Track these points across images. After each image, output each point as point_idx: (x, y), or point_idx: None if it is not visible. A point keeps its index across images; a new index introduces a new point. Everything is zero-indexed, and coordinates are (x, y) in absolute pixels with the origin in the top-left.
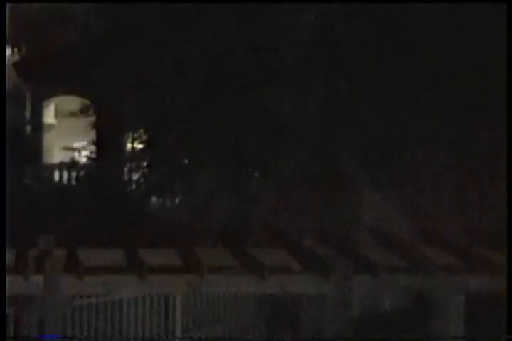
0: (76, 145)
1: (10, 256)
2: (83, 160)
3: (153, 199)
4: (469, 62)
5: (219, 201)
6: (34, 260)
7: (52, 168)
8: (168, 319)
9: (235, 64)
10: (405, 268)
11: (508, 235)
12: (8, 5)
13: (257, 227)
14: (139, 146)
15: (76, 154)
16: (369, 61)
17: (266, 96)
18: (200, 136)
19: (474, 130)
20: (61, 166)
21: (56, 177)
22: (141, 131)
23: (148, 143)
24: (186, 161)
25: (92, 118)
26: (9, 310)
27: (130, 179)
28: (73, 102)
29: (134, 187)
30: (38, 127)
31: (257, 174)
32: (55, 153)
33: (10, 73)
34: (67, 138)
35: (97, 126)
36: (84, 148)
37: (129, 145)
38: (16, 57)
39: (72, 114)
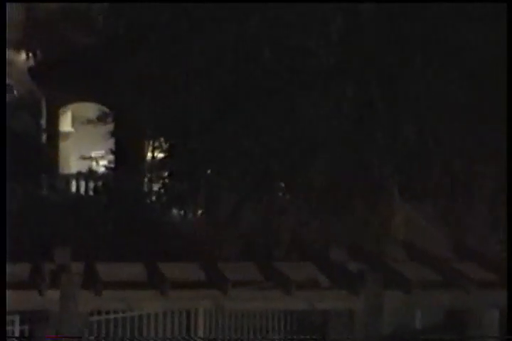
0: (94, 154)
1: (24, 270)
2: (101, 169)
3: (175, 210)
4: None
5: (243, 212)
6: (50, 274)
7: (68, 178)
8: (189, 335)
9: (261, 71)
10: (439, 284)
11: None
12: (22, 7)
13: (283, 240)
14: (160, 155)
15: (94, 163)
16: (402, 65)
17: (293, 104)
18: (224, 144)
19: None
20: (78, 176)
21: (73, 188)
22: (162, 139)
23: (169, 153)
24: (209, 171)
25: (111, 126)
26: (24, 327)
27: (150, 190)
28: (91, 109)
29: (154, 198)
30: (54, 135)
31: (282, 184)
32: (71, 162)
33: (24, 78)
34: (84, 146)
35: (115, 134)
36: (102, 157)
37: (149, 155)
38: (31, 62)
39: (89, 121)
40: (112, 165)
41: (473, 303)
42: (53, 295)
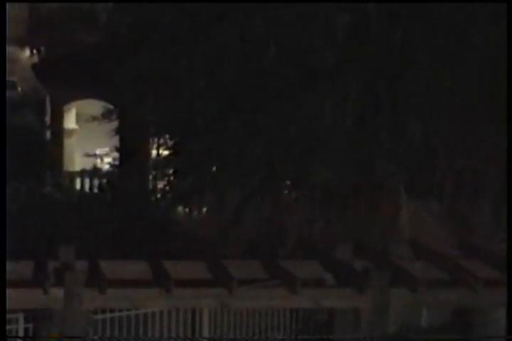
0: (98, 151)
1: (29, 268)
2: (105, 167)
3: (180, 208)
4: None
5: (249, 211)
6: (54, 272)
7: (73, 175)
8: (194, 334)
9: (266, 70)
10: (445, 282)
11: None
12: (26, 4)
13: (288, 238)
14: (165, 153)
15: (98, 161)
16: (409, 64)
17: (298, 102)
18: (229, 142)
19: None
20: (82, 174)
21: (77, 186)
22: (167, 136)
23: (174, 150)
24: (215, 169)
25: (115, 124)
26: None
27: (155, 187)
28: (95, 106)
29: (159, 195)
30: (58, 132)
31: (288, 183)
32: (75, 159)
33: (28, 75)
34: (88, 144)
35: (120, 132)
36: (106, 155)
37: (153, 152)
38: (35, 59)
39: (94, 118)
40: (117, 163)
41: (480, 302)
42: (57, 293)
